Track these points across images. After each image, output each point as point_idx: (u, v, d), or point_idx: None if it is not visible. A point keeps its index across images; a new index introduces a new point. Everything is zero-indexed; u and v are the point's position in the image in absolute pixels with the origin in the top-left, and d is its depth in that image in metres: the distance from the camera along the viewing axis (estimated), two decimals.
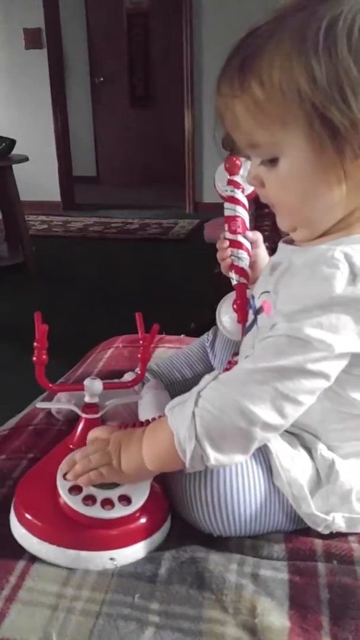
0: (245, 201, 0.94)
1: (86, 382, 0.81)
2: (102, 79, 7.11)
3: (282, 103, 0.65)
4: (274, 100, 0.65)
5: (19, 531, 0.73)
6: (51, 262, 4.34)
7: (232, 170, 0.94)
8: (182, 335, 1.45)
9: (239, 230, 0.94)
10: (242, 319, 0.90)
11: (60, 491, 0.72)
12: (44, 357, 0.79)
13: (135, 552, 0.71)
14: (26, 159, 4.09)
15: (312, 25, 0.62)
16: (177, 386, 1.06)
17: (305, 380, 0.65)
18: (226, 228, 0.95)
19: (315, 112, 0.63)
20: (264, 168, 0.72)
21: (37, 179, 5.57)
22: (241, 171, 0.93)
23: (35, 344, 0.78)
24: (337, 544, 0.74)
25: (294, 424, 0.76)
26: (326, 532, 0.75)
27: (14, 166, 4.03)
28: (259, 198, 0.79)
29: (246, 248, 0.94)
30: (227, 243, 0.94)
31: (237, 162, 0.93)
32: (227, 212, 0.95)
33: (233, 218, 0.95)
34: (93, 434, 0.77)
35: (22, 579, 0.67)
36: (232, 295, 0.95)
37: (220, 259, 0.96)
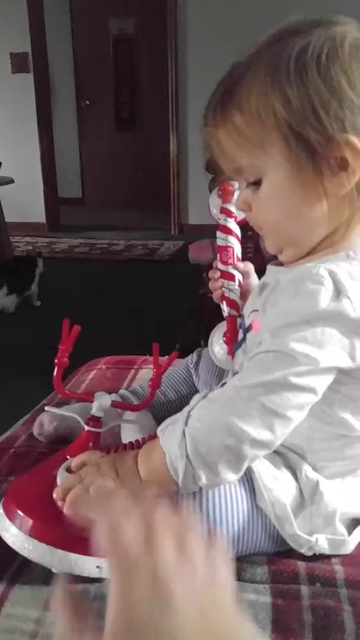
0: (237, 231, 0.95)
1: (97, 394, 0.82)
2: (87, 102, 7.17)
3: (260, 127, 0.69)
4: (253, 125, 0.69)
5: (5, 526, 0.71)
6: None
7: (224, 197, 0.95)
8: (166, 357, 1.44)
9: (230, 261, 0.94)
10: (231, 351, 0.91)
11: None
12: (66, 360, 0.79)
13: None
14: (11, 180, 4.11)
15: (284, 54, 0.67)
16: (160, 407, 1.06)
17: (292, 395, 0.65)
18: (218, 258, 0.95)
19: (291, 133, 0.67)
20: (249, 191, 0.75)
21: (23, 200, 5.57)
22: (234, 198, 0.93)
23: (60, 345, 0.80)
24: (320, 566, 0.73)
25: (281, 443, 0.76)
26: (309, 553, 0.75)
27: (0, 189, 4.04)
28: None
29: (237, 279, 0.94)
30: (218, 274, 0.95)
31: (230, 188, 0.93)
32: (219, 242, 0.96)
33: (225, 248, 0.95)
34: (79, 459, 0.75)
35: (1, 605, 0.66)
36: (223, 326, 0.96)
37: (212, 289, 0.97)
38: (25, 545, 0.69)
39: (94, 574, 0.68)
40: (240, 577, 0.72)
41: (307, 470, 0.77)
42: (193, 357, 1.12)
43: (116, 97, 7.14)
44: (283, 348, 0.66)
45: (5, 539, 0.71)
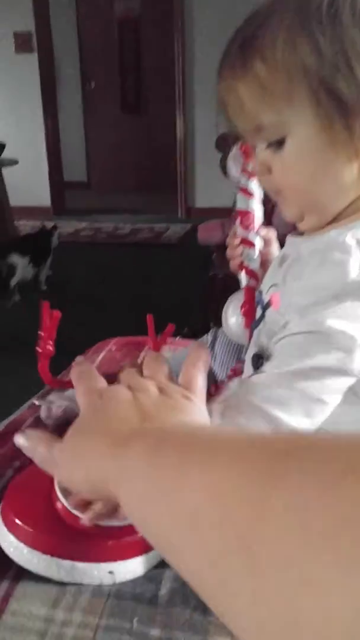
0: (259, 193, 0.88)
1: None
2: (93, 84, 7.08)
3: (287, 79, 0.62)
4: (279, 77, 0.62)
5: (7, 539, 0.65)
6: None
7: (246, 156, 0.86)
8: (177, 338, 1.39)
9: (252, 226, 0.87)
10: (249, 324, 0.85)
11: (59, 494, 0.65)
12: (50, 348, 0.72)
13: (136, 566, 0.64)
14: (16, 162, 4.05)
15: (314, 0, 0.60)
16: None
17: (331, 380, 0.61)
18: (238, 222, 0.88)
19: (321, 86, 0.61)
20: (270, 152, 0.68)
21: (27, 184, 5.52)
22: None
23: (40, 333, 0.72)
24: None
25: None
26: None
27: (4, 171, 3.98)
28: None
29: (258, 247, 0.88)
30: (238, 240, 0.88)
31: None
32: (239, 205, 0.88)
33: (245, 213, 0.87)
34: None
35: (6, 602, 0.60)
36: (239, 296, 0.89)
37: (229, 257, 0.90)
38: (27, 558, 0.64)
39: (107, 580, 0.63)
40: None
41: None
42: (208, 337, 1.08)
43: (122, 79, 7.06)
44: (316, 328, 0.61)
45: (6, 551, 0.65)
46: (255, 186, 0.87)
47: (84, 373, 0.60)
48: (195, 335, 1.19)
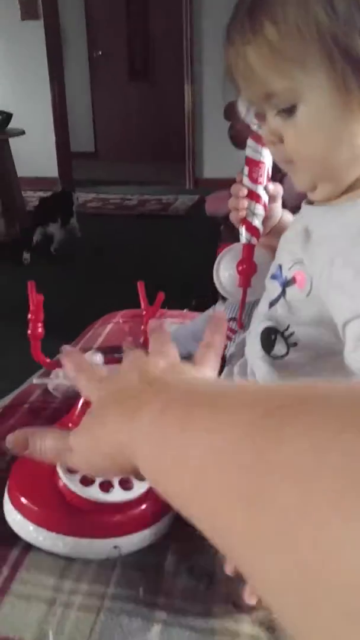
0: None
1: (86, 356, 0.76)
2: (100, 52, 6.98)
3: (299, 41, 0.59)
4: (290, 39, 0.60)
5: (13, 517, 0.67)
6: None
7: None
8: (184, 310, 1.39)
9: (260, 179, 0.81)
10: (245, 283, 0.83)
11: (61, 474, 0.66)
12: (40, 330, 0.72)
13: (141, 539, 0.65)
14: (22, 132, 4.02)
15: None
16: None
17: None
18: (246, 172, 0.82)
19: (336, 47, 0.58)
20: (280, 120, 0.66)
21: (34, 154, 5.48)
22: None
23: (29, 316, 0.72)
24: None
25: None
26: None
27: (11, 141, 3.96)
28: None
29: (264, 203, 0.82)
30: (245, 191, 0.82)
31: None
32: (249, 153, 0.82)
33: (256, 163, 0.81)
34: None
35: (16, 570, 0.62)
36: (235, 250, 0.85)
37: (232, 207, 0.84)
38: (34, 535, 0.65)
39: (112, 554, 0.64)
40: None
41: None
42: (215, 309, 1.07)
43: (129, 47, 6.96)
44: None
45: (14, 528, 0.67)
46: None
47: (80, 365, 0.57)
48: (202, 307, 1.18)
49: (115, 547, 0.64)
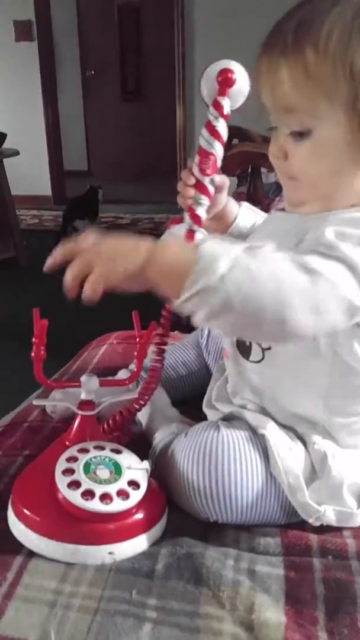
0: (224, 136, 0.82)
1: (83, 378, 0.81)
2: (93, 72, 7.07)
3: (331, 74, 0.65)
4: (325, 70, 0.65)
5: (17, 527, 0.73)
6: (42, 256, 4.23)
7: (224, 85, 0.79)
8: (176, 332, 1.44)
9: (209, 171, 0.82)
10: None
11: (60, 486, 0.72)
12: (42, 353, 0.78)
13: (134, 546, 0.72)
14: (17, 152, 4.08)
15: None
16: (172, 383, 1.07)
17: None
18: (196, 162, 0.83)
19: None
20: (291, 140, 0.72)
21: (28, 172, 5.53)
22: (231, 90, 0.80)
23: (34, 339, 0.78)
24: (332, 539, 0.74)
25: (295, 409, 0.78)
26: (317, 524, 0.76)
27: (5, 160, 4.01)
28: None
29: (209, 193, 0.84)
30: (192, 181, 0.83)
31: (231, 76, 0.79)
32: (202, 143, 0.83)
33: (207, 154, 0.82)
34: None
35: (20, 576, 0.68)
36: (179, 230, 0.85)
37: (180, 192, 0.86)
38: (36, 543, 0.71)
39: (108, 559, 0.70)
40: (253, 548, 0.73)
41: (316, 441, 0.78)
42: (204, 332, 1.12)
43: (122, 67, 7.04)
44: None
45: (17, 537, 0.73)
46: (222, 126, 0.82)
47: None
48: (192, 327, 1.22)
49: (110, 553, 0.70)
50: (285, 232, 0.76)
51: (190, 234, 0.83)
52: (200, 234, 0.83)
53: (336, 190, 0.72)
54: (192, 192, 0.83)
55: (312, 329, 0.63)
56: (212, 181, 0.83)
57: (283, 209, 0.84)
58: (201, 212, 0.83)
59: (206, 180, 0.83)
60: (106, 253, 0.65)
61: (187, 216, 0.84)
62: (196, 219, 0.83)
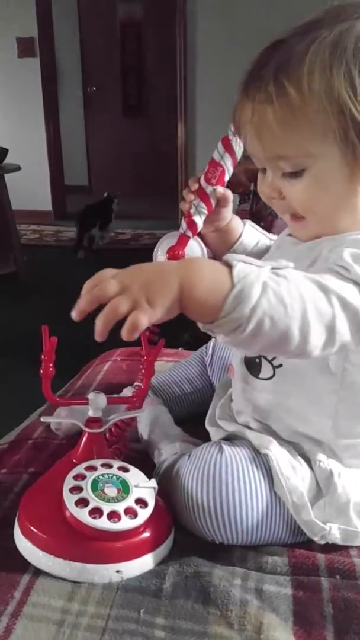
0: (239, 154, 0.83)
1: (90, 396, 0.81)
2: (94, 88, 7.12)
3: (320, 112, 0.65)
4: (312, 109, 0.65)
5: (24, 545, 0.73)
6: (43, 271, 4.34)
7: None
8: (180, 349, 1.45)
9: (214, 181, 0.84)
10: None
11: (67, 504, 0.72)
12: (51, 370, 0.79)
13: (141, 564, 0.71)
14: (18, 168, 4.10)
15: (351, 37, 0.64)
16: (176, 401, 1.07)
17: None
18: (205, 171, 0.84)
19: (352, 123, 0.65)
20: (285, 181, 0.72)
21: (29, 188, 5.56)
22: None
23: (43, 356, 0.78)
24: (340, 558, 0.74)
25: (301, 428, 0.79)
26: (322, 542, 0.76)
27: (6, 175, 4.03)
28: None
29: (210, 203, 0.84)
30: (195, 187, 0.84)
31: None
32: (215, 154, 0.84)
33: (215, 165, 0.83)
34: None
35: (27, 594, 0.67)
36: (173, 236, 0.86)
37: (185, 198, 0.86)
38: (43, 561, 0.71)
39: (115, 578, 0.70)
40: (261, 568, 0.73)
41: (321, 460, 0.78)
42: (208, 349, 1.13)
43: (123, 84, 7.10)
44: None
45: (24, 555, 0.73)
46: (238, 146, 0.82)
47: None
48: (196, 342, 1.22)
49: (118, 571, 0.70)
50: (298, 255, 0.76)
51: (184, 239, 0.84)
52: (193, 242, 0.84)
53: (341, 221, 0.72)
54: (192, 197, 0.84)
55: (324, 347, 0.63)
56: (215, 192, 0.84)
57: (290, 235, 0.84)
58: (198, 220, 0.84)
59: (209, 189, 0.84)
60: (138, 293, 0.59)
61: (184, 222, 0.85)
62: (192, 226, 0.84)
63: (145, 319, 0.58)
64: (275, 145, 0.70)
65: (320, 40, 0.65)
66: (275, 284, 0.60)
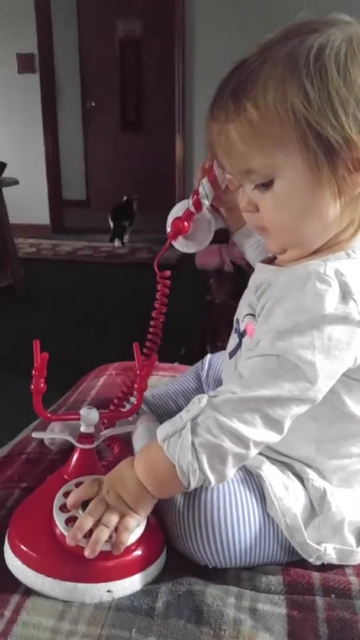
0: None
1: (82, 411, 0.81)
2: (93, 103, 7.17)
3: (277, 124, 0.67)
4: (270, 122, 0.67)
5: (14, 563, 0.72)
6: (40, 285, 4.33)
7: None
8: (175, 363, 1.44)
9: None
10: (172, 236, 0.91)
11: (57, 523, 0.71)
12: (42, 386, 0.78)
13: (132, 584, 0.70)
14: (16, 182, 4.11)
15: (302, 51, 0.66)
16: (172, 416, 1.05)
17: (296, 407, 0.68)
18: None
19: (310, 131, 0.66)
20: (258, 192, 0.73)
21: (27, 202, 5.57)
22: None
23: (34, 372, 0.78)
24: (334, 577, 0.73)
25: (287, 453, 0.78)
26: (317, 562, 0.75)
27: (4, 189, 4.04)
28: None
29: (218, 186, 0.88)
30: (207, 164, 0.88)
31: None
32: None
33: None
34: (76, 497, 0.74)
35: (17, 613, 0.66)
36: (180, 208, 0.92)
37: (196, 175, 0.92)
38: (33, 580, 0.70)
39: (106, 598, 0.69)
40: (255, 587, 0.72)
41: (313, 479, 0.77)
42: (204, 365, 1.12)
43: (122, 99, 7.14)
44: (288, 355, 0.66)
45: (14, 573, 0.72)
46: None
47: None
48: (192, 357, 1.22)
49: (109, 591, 0.68)
50: (254, 284, 0.82)
51: (189, 215, 0.89)
52: (203, 216, 0.90)
53: (309, 232, 0.73)
54: (200, 174, 0.89)
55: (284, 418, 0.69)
56: (223, 175, 0.85)
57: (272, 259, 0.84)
58: (204, 199, 0.88)
59: (218, 172, 0.86)
60: (115, 512, 0.71)
61: (191, 199, 0.89)
62: (197, 204, 0.89)
63: (133, 522, 0.71)
64: (242, 160, 0.72)
65: (273, 57, 0.67)
66: (202, 436, 0.68)
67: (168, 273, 0.92)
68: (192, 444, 0.68)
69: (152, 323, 0.92)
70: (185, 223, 0.89)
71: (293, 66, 0.66)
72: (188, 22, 5.28)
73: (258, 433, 0.67)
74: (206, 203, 0.89)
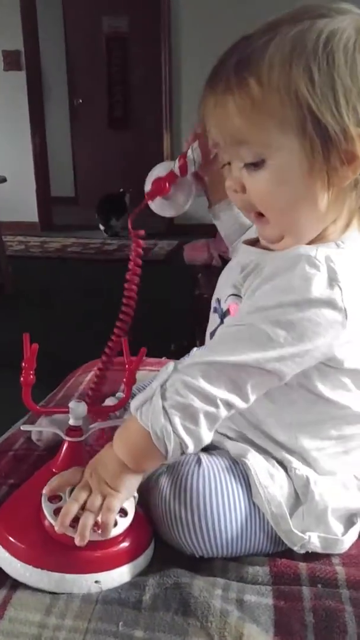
0: None
1: (71, 404, 0.81)
2: (80, 100, 7.15)
3: (278, 103, 0.66)
4: (271, 100, 0.66)
5: (1, 555, 0.71)
6: (28, 283, 4.32)
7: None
8: (163, 358, 1.44)
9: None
10: (150, 195, 0.91)
11: (46, 513, 0.71)
12: (32, 377, 0.78)
13: (121, 575, 0.70)
14: (4, 179, 4.09)
15: (312, 35, 0.65)
16: None
17: (259, 377, 0.68)
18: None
19: (310, 116, 0.65)
20: (245, 172, 0.72)
21: (15, 199, 5.55)
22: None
23: (23, 364, 0.78)
24: (321, 567, 0.74)
25: (270, 434, 0.79)
26: (302, 551, 0.75)
27: None
28: None
29: (208, 153, 0.87)
30: (198, 129, 0.85)
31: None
32: None
33: None
34: (55, 483, 0.75)
35: (4, 609, 0.66)
36: (164, 167, 0.91)
37: (189, 138, 0.89)
38: (21, 572, 0.70)
39: (94, 589, 0.69)
40: (241, 577, 0.72)
41: (297, 467, 0.77)
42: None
43: (109, 96, 7.12)
44: (261, 324, 0.67)
45: (1, 565, 0.71)
46: None
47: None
48: (181, 352, 1.21)
49: (96, 581, 0.68)
50: (237, 264, 0.82)
51: (172, 177, 0.88)
52: (185, 180, 0.88)
53: (302, 219, 0.72)
54: (190, 138, 0.87)
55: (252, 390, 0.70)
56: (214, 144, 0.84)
57: (255, 241, 0.84)
58: (190, 164, 0.87)
59: (210, 141, 0.84)
60: (98, 495, 0.72)
61: (177, 161, 0.87)
62: (183, 168, 0.87)
63: (115, 501, 0.72)
64: (236, 133, 0.70)
65: (281, 37, 0.66)
66: (172, 399, 0.68)
67: (142, 232, 0.91)
68: (163, 407, 0.68)
69: (125, 286, 0.91)
70: (167, 184, 0.88)
71: (301, 49, 0.65)
72: (174, 17, 5.28)
73: (223, 393, 0.68)
74: (192, 169, 0.87)
